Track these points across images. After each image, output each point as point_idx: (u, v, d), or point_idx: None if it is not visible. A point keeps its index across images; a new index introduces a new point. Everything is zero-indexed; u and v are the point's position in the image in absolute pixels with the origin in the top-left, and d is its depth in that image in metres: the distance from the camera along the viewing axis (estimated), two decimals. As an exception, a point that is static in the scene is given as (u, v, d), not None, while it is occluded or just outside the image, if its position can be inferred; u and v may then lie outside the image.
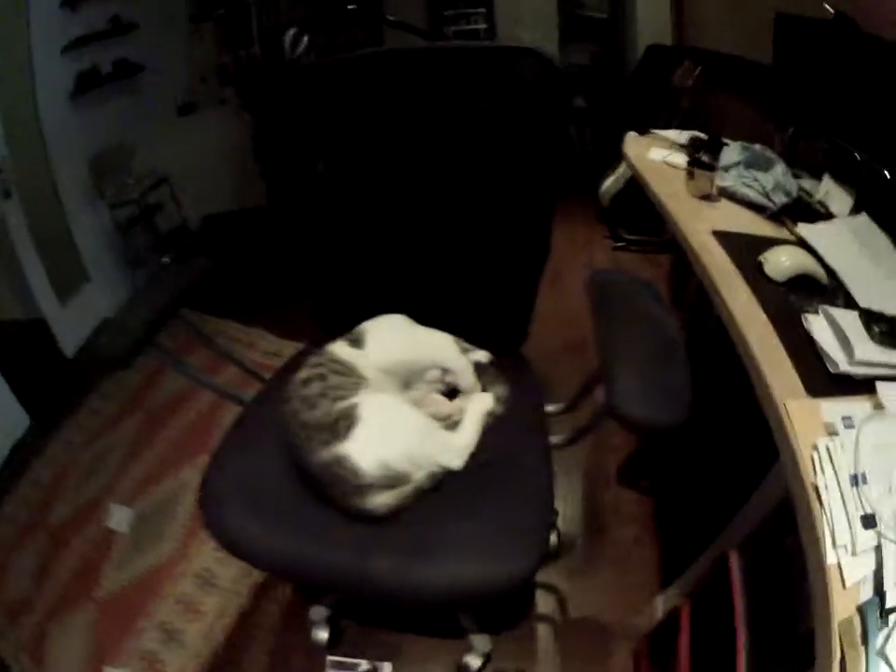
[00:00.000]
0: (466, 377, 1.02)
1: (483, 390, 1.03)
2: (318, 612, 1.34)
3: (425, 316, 1.10)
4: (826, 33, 1.39)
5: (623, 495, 1.71)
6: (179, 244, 3.22)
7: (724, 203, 1.42)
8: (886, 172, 1.20)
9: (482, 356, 1.09)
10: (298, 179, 1.12)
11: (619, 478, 1.75)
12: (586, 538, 1.59)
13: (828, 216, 1.33)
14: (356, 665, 1.31)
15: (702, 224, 1.29)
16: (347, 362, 0.96)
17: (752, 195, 1.39)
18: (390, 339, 1.03)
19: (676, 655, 1.01)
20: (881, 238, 1.19)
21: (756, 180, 1.41)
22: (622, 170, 2.98)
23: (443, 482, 0.89)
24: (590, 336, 0.86)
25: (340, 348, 1.00)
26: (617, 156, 3.06)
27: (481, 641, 1.28)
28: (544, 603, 1.46)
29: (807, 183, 1.46)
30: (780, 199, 1.36)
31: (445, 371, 1.01)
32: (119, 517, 1.75)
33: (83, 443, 2.07)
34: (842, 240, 1.20)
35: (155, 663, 1.36)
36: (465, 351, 1.07)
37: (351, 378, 0.93)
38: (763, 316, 0.96)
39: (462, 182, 1.05)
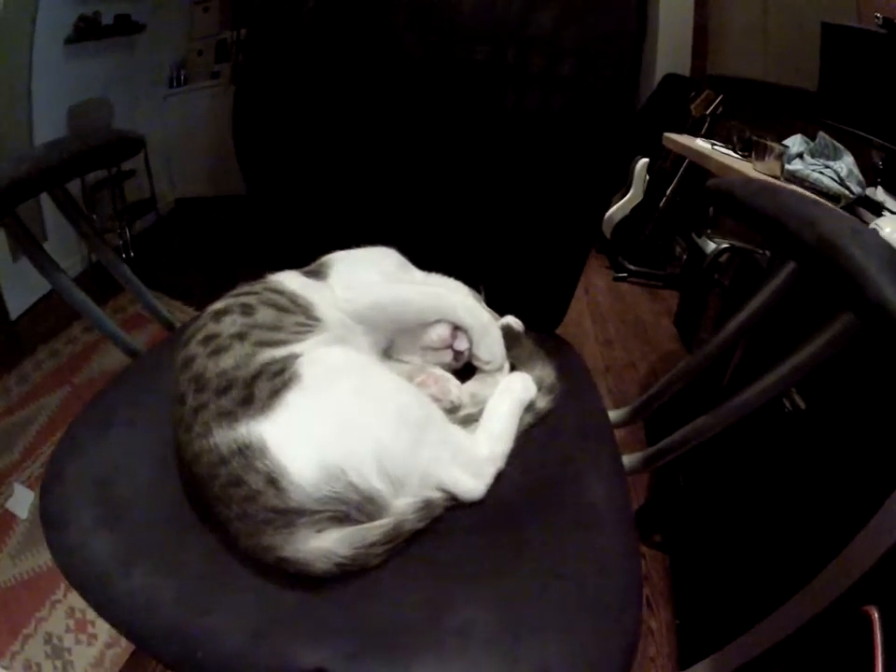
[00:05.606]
0: (490, 343, 0.56)
1: (512, 370, 0.58)
2: None
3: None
4: (876, 41, 1.24)
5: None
6: (141, 215, 2.87)
7: (795, 189, 1.10)
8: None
9: (511, 320, 0.65)
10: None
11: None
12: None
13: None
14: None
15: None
16: (297, 295, 0.52)
17: (826, 181, 1.09)
18: (370, 270, 0.57)
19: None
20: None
21: (827, 167, 1.09)
22: (628, 196, 2.69)
23: (448, 520, 0.44)
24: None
25: (288, 277, 0.56)
26: (622, 183, 2.79)
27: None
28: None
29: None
30: (856, 188, 1.07)
31: (456, 329, 0.56)
32: (19, 499, 1.42)
33: (3, 411, 1.70)
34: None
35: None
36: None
37: (296, 316, 0.49)
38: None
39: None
